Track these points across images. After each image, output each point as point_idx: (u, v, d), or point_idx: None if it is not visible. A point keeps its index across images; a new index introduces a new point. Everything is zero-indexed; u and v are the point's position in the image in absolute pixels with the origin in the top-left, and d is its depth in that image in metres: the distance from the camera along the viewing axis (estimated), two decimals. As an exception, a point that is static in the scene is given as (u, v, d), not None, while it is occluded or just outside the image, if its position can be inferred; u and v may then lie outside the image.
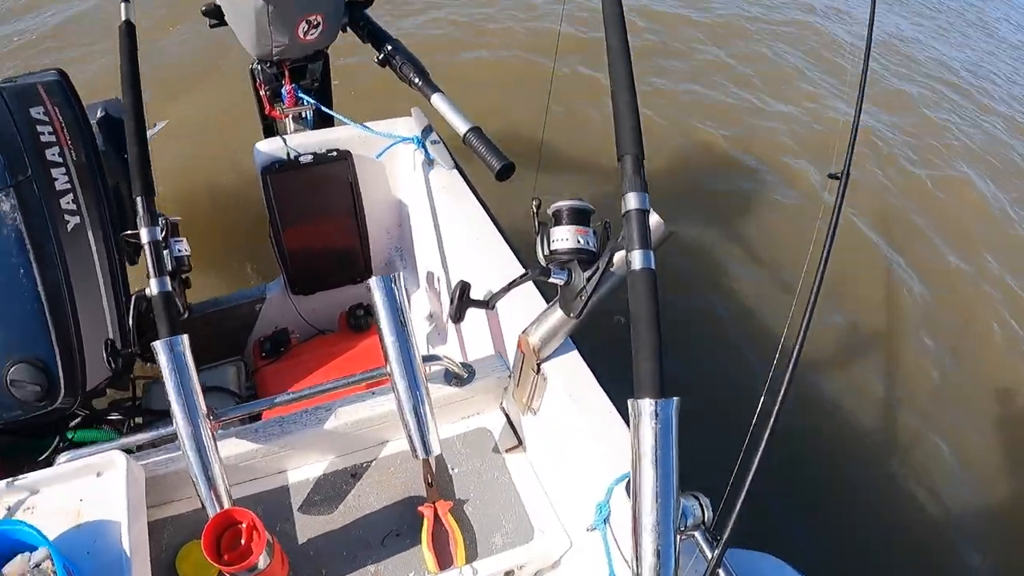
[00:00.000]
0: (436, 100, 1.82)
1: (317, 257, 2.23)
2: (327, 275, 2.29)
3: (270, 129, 2.40)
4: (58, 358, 1.63)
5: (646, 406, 0.95)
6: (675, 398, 0.96)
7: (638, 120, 1.15)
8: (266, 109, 2.27)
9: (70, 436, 1.83)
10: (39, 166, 1.65)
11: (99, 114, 2.16)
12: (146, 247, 1.40)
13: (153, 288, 1.38)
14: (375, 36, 2.05)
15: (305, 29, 1.90)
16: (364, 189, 2.13)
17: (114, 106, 2.25)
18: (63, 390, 1.65)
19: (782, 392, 1.15)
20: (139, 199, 1.44)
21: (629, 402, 0.99)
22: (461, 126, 1.72)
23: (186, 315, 1.72)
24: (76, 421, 1.86)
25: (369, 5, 2.12)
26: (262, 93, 2.24)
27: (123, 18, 1.69)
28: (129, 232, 1.53)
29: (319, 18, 1.90)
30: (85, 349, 1.69)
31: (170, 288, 1.39)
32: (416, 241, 2.23)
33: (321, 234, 2.20)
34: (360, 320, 2.30)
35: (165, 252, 1.46)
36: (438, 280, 2.07)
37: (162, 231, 1.44)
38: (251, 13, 1.82)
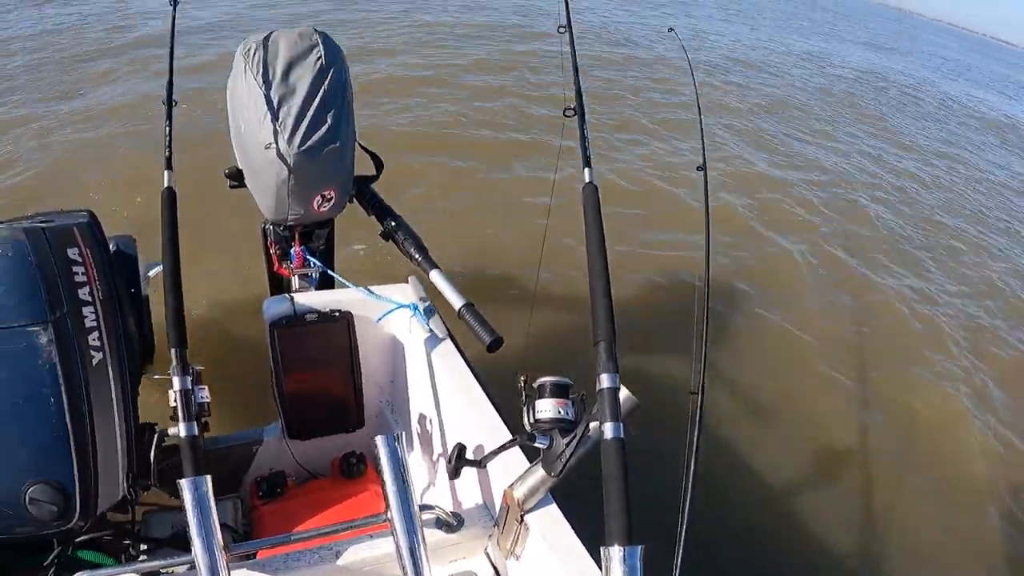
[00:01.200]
0: (434, 276, 2.11)
1: (314, 406, 2.41)
2: (322, 423, 2.46)
3: (276, 283, 2.66)
4: (76, 482, 1.77)
5: (615, 552, 1.17)
6: (640, 546, 1.19)
7: (611, 310, 1.43)
8: (275, 267, 2.54)
9: (69, 553, 1.97)
10: (73, 304, 1.83)
11: (111, 249, 2.36)
12: (178, 395, 1.60)
13: (182, 431, 1.57)
14: (379, 210, 2.36)
15: (319, 202, 2.19)
16: (362, 346, 2.34)
17: (125, 243, 2.47)
18: (78, 512, 1.78)
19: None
20: (174, 351, 1.65)
21: (601, 549, 1.21)
22: (456, 301, 1.99)
23: None
24: (79, 539, 1.95)
25: (375, 180, 2.44)
26: (272, 252, 2.51)
27: (165, 184, 1.95)
28: (159, 376, 1.75)
29: (332, 193, 2.21)
30: (100, 476, 1.83)
31: (196, 432, 1.59)
32: (409, 398, 2.43)
33: (319, 385, 2.39)
34: (353, 467, 2.45)
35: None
36: (429, 435, 2.26)
37: (192, 380, 1.67)
38: (272, 184, 2.12)
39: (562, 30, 2.24)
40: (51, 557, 1.89)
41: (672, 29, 3.52)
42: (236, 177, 2.35)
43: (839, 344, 5.27)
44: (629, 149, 7.11)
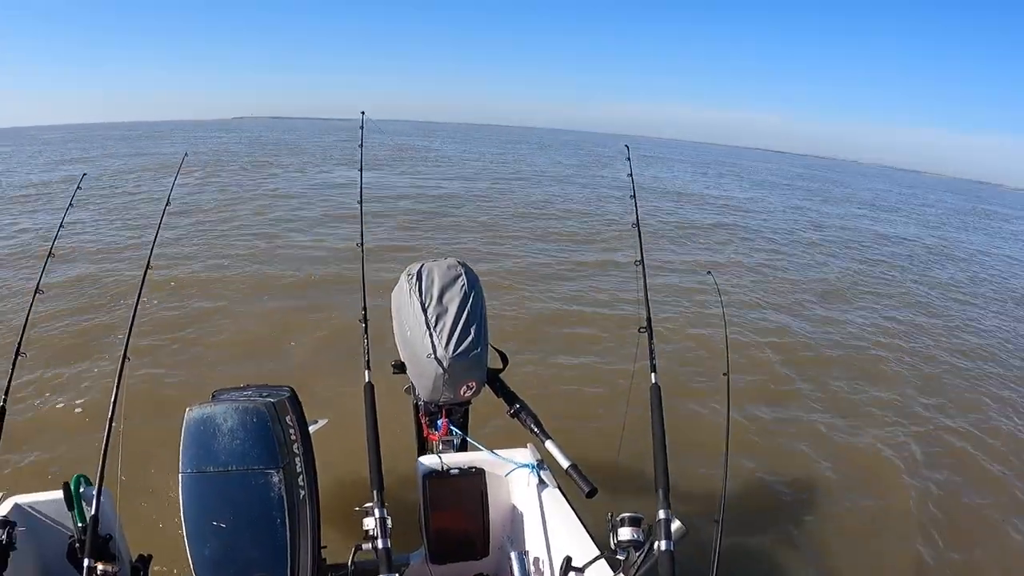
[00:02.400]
0: (549, 445, 2.98)
1: (452, 537, 3.15)
2: (457, 551, 3.18)
3: (422, 444, 3.53)
4: None
5: None
6: None
7: (667, 472, 2.29)
8: (424, 432, 3.42)
9: None
10: (290, 456, 2.64)
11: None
12: (378, 521, 2.43)
13: (379, 545, 2.39)
14: (506, 396, 3.24)
15: (464, 390, 3.09)
16: (491, 493, 3.13)
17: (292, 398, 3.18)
18: None
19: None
20: (375, 492, 2.49)
21: None
22: (564, 462, 2.84)
23: None
24: None
25: (502, 371, 3.34)
26: (423, 421, 3.40)
27: (366, 380, 2.86)
28: (358, 508, 2.57)
29: (474, 384, 3.10)
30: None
31: (389, 546, 2.40)
32: (525, 531, 3.16)
33: (457, 521, 3.14)
34: None
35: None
36: (538, 557, 2.97)
37: (386, 511, 2.49)
38: (432, 379, 3.02)
39: (637, 264, 3.20)
40: None
41: (710, 272, 4.71)
42: (400, 368, 3.28)
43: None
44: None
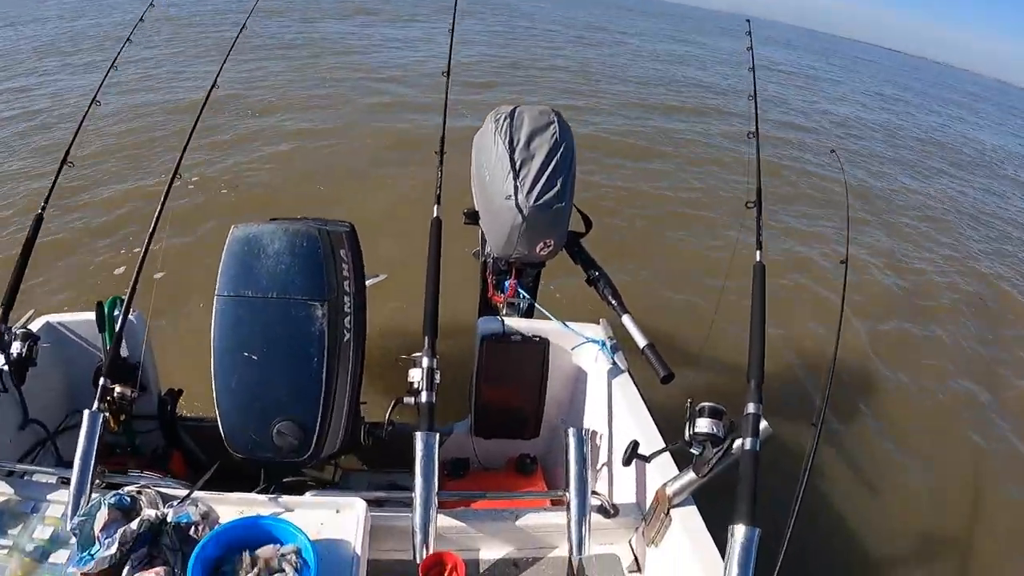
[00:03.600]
0: (625, 319, 2.68)
1: (501, 411, 2.97)
2: (505, 426, 3.01)
3: (486, 306, 3.26)
4: (317, 427, 2.36)
5: (739, 530, 1.71)
6: (758, 528, 1.71)
7: (763, 358, 1.99)
8: (489, 292, 3.17)
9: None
10: (339, 291, 2.43)
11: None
12: (425, 371, 2.20)
13: (423, 398, 2.17)
14: (585, 262, 2.94)
15: (541, 247, 2.80)
16: (552, 369, 2.89)
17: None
18: (311, 450, 2.37)
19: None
20: (427, 338, 2.26)
21: (729, 527, 1.73)
22: (641, 341, 2.54)
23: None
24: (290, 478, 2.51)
25: (583, 236, 3.04)
26: (489, 280, 3.14)
27: (435, 215, 2.58)
28: (404, 357, 2.36)
29: (552, 242, 2.81)
30: (331, 427, 2.40)
31: (434, 400, 2.18)
32: (584, 416, 2.95)
33: (509, 395, 2.94)
34: (527, 466, 3.01)
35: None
36: (598, 444, 2.74)
37: (436, 361, 2.25)
38: (507, 228, 2.74)
39: (750, 136, 2.83)
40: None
41: (834, 151, 4.25)
42: (472, 217, 3.00)
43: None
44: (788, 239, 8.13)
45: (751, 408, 1.89)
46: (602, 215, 5.58)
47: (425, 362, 2.24)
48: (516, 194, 2.68)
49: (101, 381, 2.20)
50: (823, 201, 9.57)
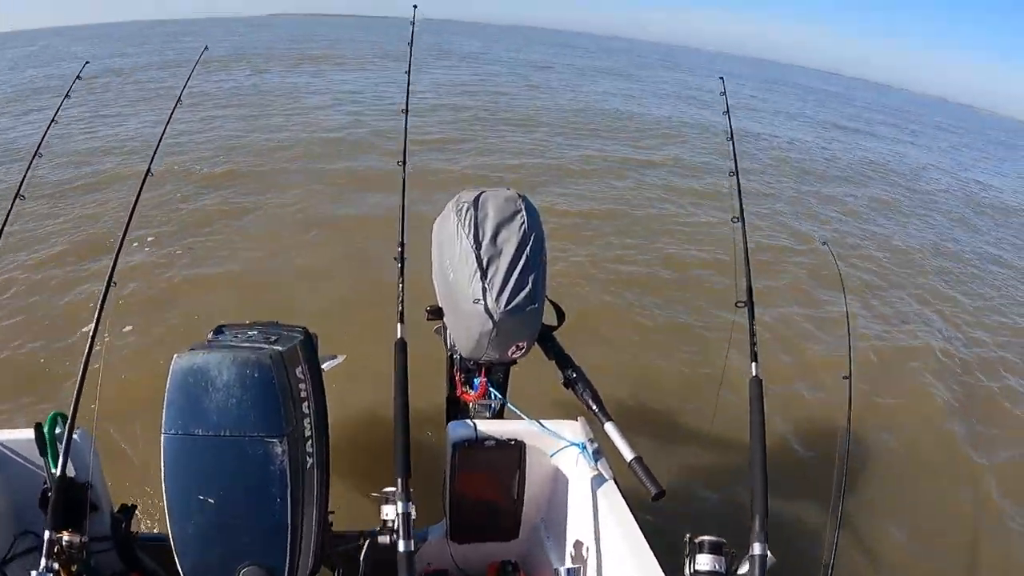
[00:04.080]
0: (608, 428, 2.51)
1: (478, 515, 2.79)
2: (483, 529, 2.84)
3: (455, 404, 3.08)
4: (287, 567, 2.19)
5: None
6: None
7: (766, 490, 1.85)
8: (457, 391, 2.99)
9: None
10: (298, 418, 2.24)
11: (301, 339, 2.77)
12: (400, 517, 2.05)
13: (400, 547, 2.01)
14: (560, 359, 2.78)
15: (513, 351, 2.64)
16: (529, 470, 2.72)
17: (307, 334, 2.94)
18: None
19: None
20: (400, 479, 2.10)
21: None
22: (628, 453, 2.38)
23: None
24: None
25: (556, 329, 2.89)
26: (457, 378, 2.97)
27: (398, 335, 2.43)
28: (376, 494, 2.20)
29: (524, 344, 2.65)
30: (300, 561, 2.24)
31: (413, 549, 2.02)
32: (567, 524, 2.77)
33: (486, 500, 2.77)
34: (509, 574, 2.81)
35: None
36: (584, 563, 2.55)
37: (411, 504, 2.10)
38: (476, 333, 2.56)
39: (736, 220, 2.69)
40: None
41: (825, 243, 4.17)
42: (436, 313, 2.83)
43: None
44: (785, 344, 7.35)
45: (756, 549, 1.78)
46: (573, 301, 5.51)
47: (400, 507, 2.09)
48: (485, 298, 2.51)
49: (46, 535, 2.06)
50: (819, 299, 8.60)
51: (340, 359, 4.08)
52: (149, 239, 7.58)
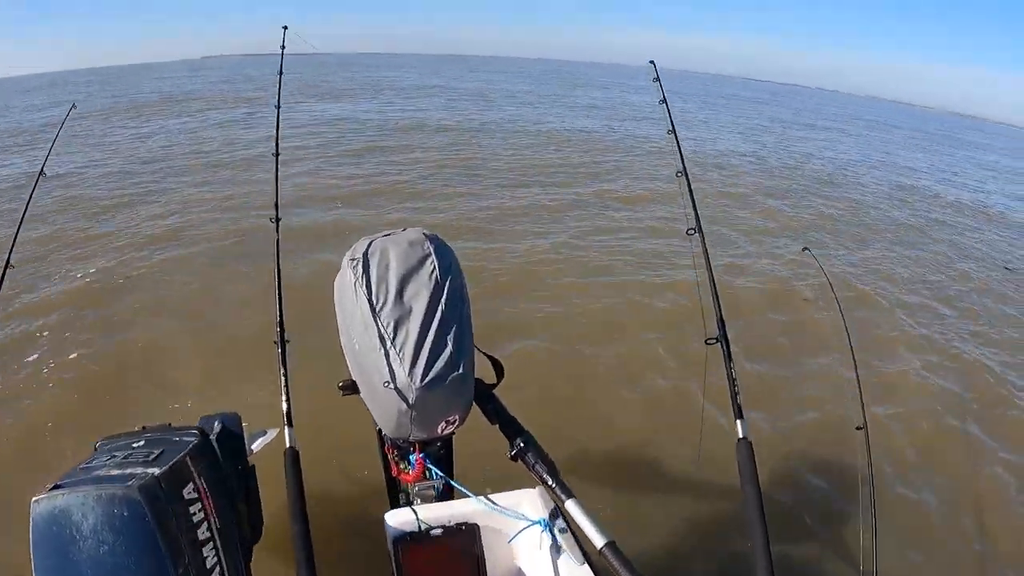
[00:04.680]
0: (570, 506, 2.09)
1: None
2: None
3: (393, 486, 2.65)
4: None
5: None
6: None
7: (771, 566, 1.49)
8: (393, 471, 2.57)
9: None
10: (194, 550, 1.87)
11: (216, 428, 2.40)
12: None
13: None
14: (505, 424, 2.37)
15: (443, 427, 2.22)
16: (488, 557, 2.32)
17: (231, 420, 2.49)
18: None
19: None
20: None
21: None
22: (598, 539, 1.96)
23: None
24: None
25: (497, 385, 2.49)
26: (390, 456, 2.55)
27: (287, 444, 2.03)
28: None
29: (456, 417, 2.24)
30: None
31: None
32: None
33: None
34: None
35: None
36: None
37: None
38: (394, 415, 2.14)
39: (691, 232, 2.30)
40: None
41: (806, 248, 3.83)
42: (351, 388, 2.41)
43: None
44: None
45: None
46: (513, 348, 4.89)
47: None
48: (394, 376, 2.09)
49: None
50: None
51: (271, 434, 3.64)
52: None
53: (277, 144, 2.91)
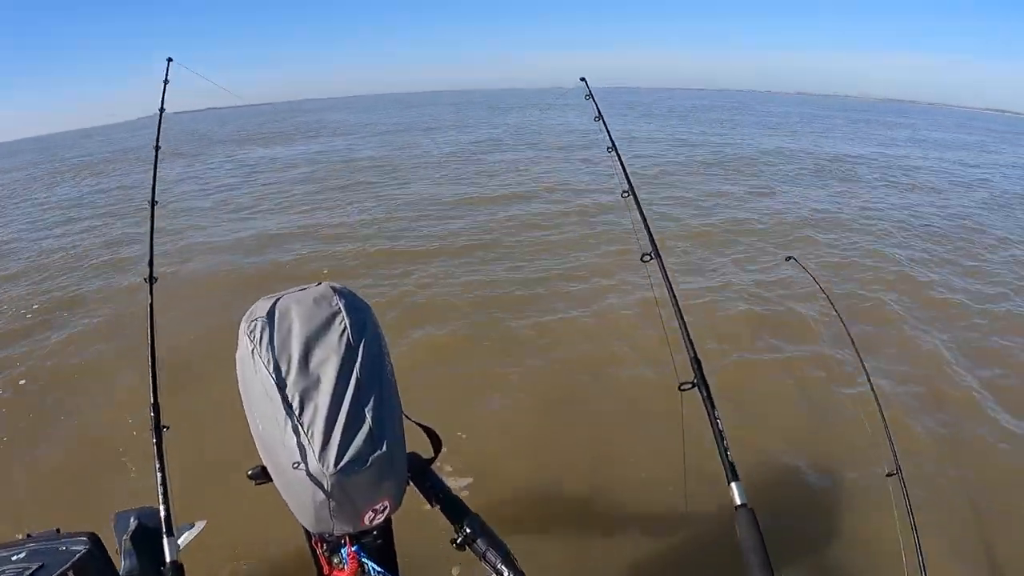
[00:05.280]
0: None
1: None
2: None
3: None
4: None
5: None
6: None
7: None
8: (324, 569, 2.19)
9: None
10: None
11: (132, 524, 2.18)
12: None
13: None
14: (447, 505, 2.03)
15: (371, 517, 1.85)
16: None
17: (148, 515, 2.24)
18: None
19: None
20: None
21: None
22: None
23: None
24: None
25: (434, 460, 2.13)
26: (318, 551, 2.18)
27: (167, 559, 1.70)
28: None
29: (385, 503, 1.87)
30: None
31: None
32: None
33: None
34: None
35: None
36: None
37: None
38: (309, 504, 1.76)
39: (647, 259, 1.99)
40: None
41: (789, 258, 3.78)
42: (263, 476, 2.04)
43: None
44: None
45: None
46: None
47: None
48: (305, 459, 1.71)
49: None
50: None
51: (200, 526, 3.24)
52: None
53: (153, 191, 2.57)
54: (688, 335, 1.85)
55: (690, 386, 1.73)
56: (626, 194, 2.67)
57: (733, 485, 1.54)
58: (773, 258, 9.82)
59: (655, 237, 2.27)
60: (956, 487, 4.66)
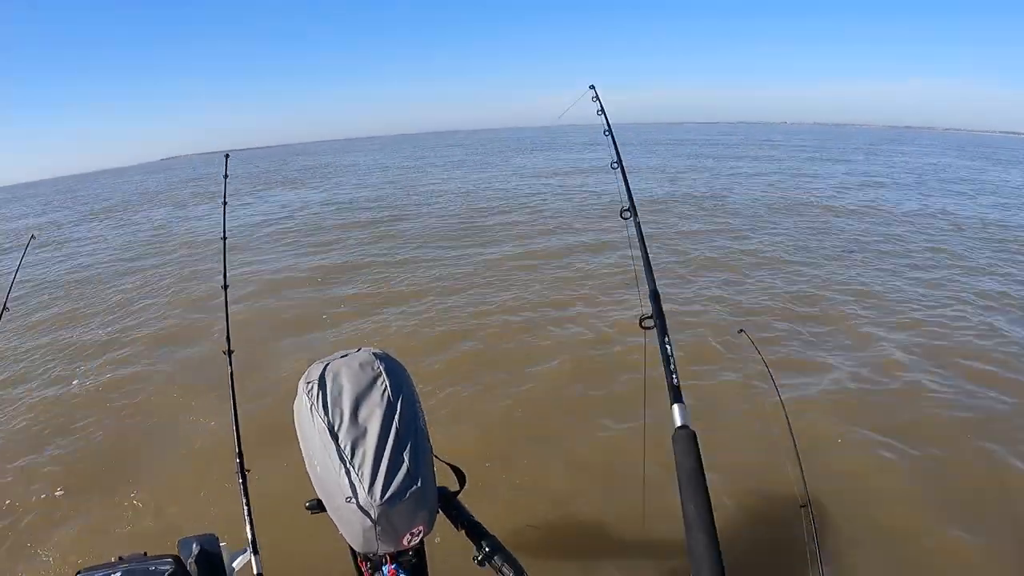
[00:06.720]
0: None
1: None
2: None
3: None
4: None
5: None
6: None
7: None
8: (367, 583, 2.69)
9: None
10: None
11: (195, 550, 2.50)
12: None
13: None
14: (471, 529, 2.50)
15: (409, 539, 2.33)
16: None
17: (209, 542, 2.58)
18: None
19: None
20: None
21: None
22: None
23: None
24: None
25: (459, 492, 2.60)
26: (363, 569, 2.65)
27: (255, 572, 2.11)
28: None
29: (420, 528, 2.35)
30: None
31: None
32: None
33: None
34: None
35: None
36: None
37: None
38: (359, 530, 2.25)
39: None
40: None
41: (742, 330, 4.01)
42: (319, 507, 2.53)
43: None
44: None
45: None
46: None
47: None
48: (355, 494, 2.21)
49: None
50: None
51: (248, 554, 3.70)
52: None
53: (225, 275, 2.99)
54: (651, 270, 2.21)
55: (651, 323, 2.05)
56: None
57: (675, 407, 1.68)
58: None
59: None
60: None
